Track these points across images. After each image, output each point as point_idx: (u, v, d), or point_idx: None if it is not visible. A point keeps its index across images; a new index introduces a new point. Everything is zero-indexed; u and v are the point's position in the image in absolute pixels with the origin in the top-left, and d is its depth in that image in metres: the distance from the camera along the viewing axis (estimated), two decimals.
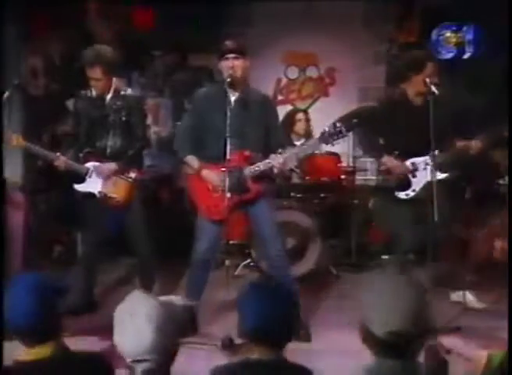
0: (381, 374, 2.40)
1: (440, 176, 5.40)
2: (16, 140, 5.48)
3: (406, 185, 5.56)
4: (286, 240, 6.05)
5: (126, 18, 7.67)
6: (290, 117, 7.21)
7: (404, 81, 5.57)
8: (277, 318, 2.63)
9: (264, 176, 5.14)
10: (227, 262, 6.55)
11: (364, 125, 5.90)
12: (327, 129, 4.99)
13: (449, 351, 4.54)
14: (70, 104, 6.27)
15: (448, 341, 4.85)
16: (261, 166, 5.06)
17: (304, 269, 6.34)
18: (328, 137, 4.98)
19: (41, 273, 2.83)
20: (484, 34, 7.41)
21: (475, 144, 5.40)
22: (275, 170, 5.04)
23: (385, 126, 5.58)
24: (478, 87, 7.36)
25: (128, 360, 2.48)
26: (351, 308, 5.73)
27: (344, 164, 7.25)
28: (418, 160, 5.48)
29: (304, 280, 5.99)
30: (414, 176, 5.52)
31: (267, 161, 5.06)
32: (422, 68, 5.42)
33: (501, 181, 6.90)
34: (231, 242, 6.83)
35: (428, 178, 5.31)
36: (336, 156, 7.11)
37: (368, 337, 2.41)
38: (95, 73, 5.32)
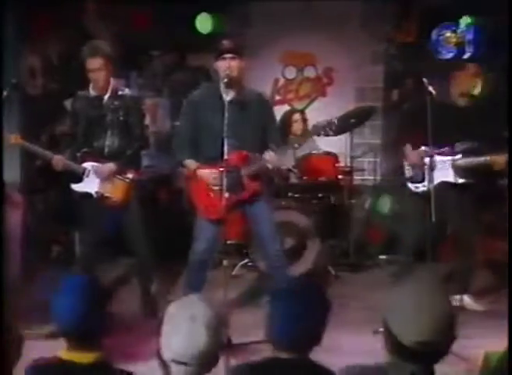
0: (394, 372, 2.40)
1: (458, 180, 5.52)
2: (14, 139, 5.49)
3: (420, 179, 5.61)
4: (284, 240, 6.05)
5: (124, 18, 7.67)
6: (287, 118, 7.22)
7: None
8: (312, 325, 2.60)
9: (260, 175, 5.13)
10: (225, 262, 6.55)
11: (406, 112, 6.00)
12: (320, 121, 5.03)
13: None
14: (68, 104, 6.27)
15: None
16: (256, 164, 5.06)
17: (302, 269, 6.34)
18: (320, 128, 5.01)
19: (92, 275, 2.83)
20: (484, 34, 7.41)
21: (501, 160, 5.43)
22: (270, 166, 5.02)
23: (419, 122, 5.63)
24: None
25: (168, 358, 2.45)
26: (350, 308, 5.78)
27: (342, 164, 7.24)
28: (438, 158, 5.53)
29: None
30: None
31: (261, 159, 5.06)
32: (464, 67, 5.52)
33: (501, 181, 6.92)
34: (229, 242, 6.83)
35: (444, 178, 5.44)
36: (333, 156, 7.10)
37: (393, 344, 2.38)
38: (96, 63, 5.32)
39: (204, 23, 7.73)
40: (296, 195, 6.93)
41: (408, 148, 5.69)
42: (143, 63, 8.22)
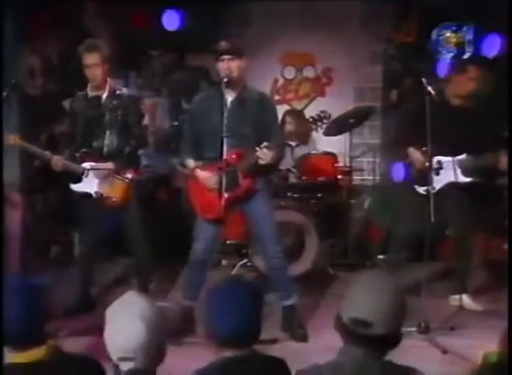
0: (344, 363, 2.50)
1: (463, 179, 5.51)
2: (13, 140, 5.50)
3: (425, 182, 5.60)
4: (283, 240, 6.06)
5: (123, 18, 7.68)
6: (282, 117, 7.23)
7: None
8: (250, 318, 2.65)
9: (253, 171, 5.10)
10: (224, 262, 6.58)
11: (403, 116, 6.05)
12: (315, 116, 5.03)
13: (445, 351, 4.57)
14: (67, 104, 6.27)
15: (444, 340, 4.88)
16: (247, 159, 5.04)
17: (301, 269, 6.34)
18: (314, 122, 5.02)
19: (22, 275, 2.84)
20: (484, 34, 7.43)
21: (504, 160, 5.42)
22: (262, 163, 4.99)
23: (419, 122, 5.64)
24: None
25: (114, 357, 2.51)
26: None
27: (341, 164, 7.25)
28: (444, 159, 5.53)
29: (301, 280, 5.99)
30: (437, 174, 5.54)
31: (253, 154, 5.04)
32: (464, 70, 5.52)
33: (500, 181, 6.93)
34: (228, 242, 6.84)
35: (452, 178, 5.44)
36: (332, 156, 7.12)
37: (338, 323, 2.52)
38: (92, 58, 5.34)
39: (171, 19, 7.76)
40: (295, 195, 6.93)
41: (412, 151, 5.65)
42: (142, 63, 8.22)
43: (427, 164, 5.42)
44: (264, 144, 4.91)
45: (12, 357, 2.66)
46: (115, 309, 2.56)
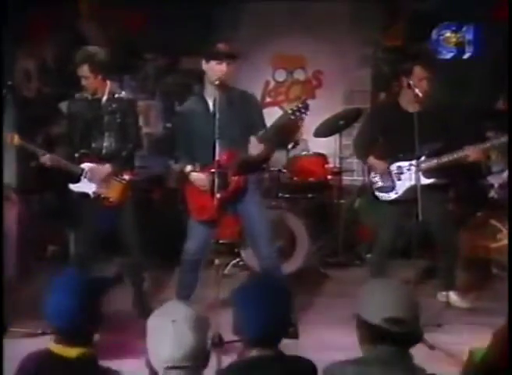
0: (372, 359, 2.55)
1: (426, 181, 5.46)
2: (10, 139, 5.56)
3: (390, 187, 5.68)
4: (274, 239, 6.14)
5: (118, 21, 7.72)
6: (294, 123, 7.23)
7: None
8: (276, 317, 2.70)
9: (244, 169, 5.17)
10: (216, 261, 6.64)
11: (360, 126, 6.10)
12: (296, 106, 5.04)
13: (432, 347, 4.67)
14: (63, 106, 6.32)
15: (431, 337, 4.98)
16: (239, 157, 5.13)
17: (292, 267, 6.42)
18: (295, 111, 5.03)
19: (84, 272, 2.87)
20: (481, 35, 7.51)
21: (471, 153, 5.43)
22: (252, 152, 5.01)
23: (377, 129, 5.73)
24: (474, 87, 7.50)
25: (162, 368, 2.48)
26: (339, 306, 5.86)
27: (331, 165, 7.34)
28: (404, 164, 5.58)
29: (292, 279, 6.07)
30: (398, 179, 5.63)
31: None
32: (410, 72, 5.57)
33: (482, 181, 7.04)
34: (220, 241, 6.91)
35: (413, 182, 5.40)
36: (323, 157, 7.21)
37: (366, 330, 2.55)
38: (83, 71, 5.39)
39: None
40: (286, 195, 7.01)
41: (371, 159, 5.72)
42: (136, 66, 8.27)
43: (389, 169, 5.56)
44: (254, 136, 4.98)
45: (53, 346, 2.73)
46: (160, 319, 2.54)
